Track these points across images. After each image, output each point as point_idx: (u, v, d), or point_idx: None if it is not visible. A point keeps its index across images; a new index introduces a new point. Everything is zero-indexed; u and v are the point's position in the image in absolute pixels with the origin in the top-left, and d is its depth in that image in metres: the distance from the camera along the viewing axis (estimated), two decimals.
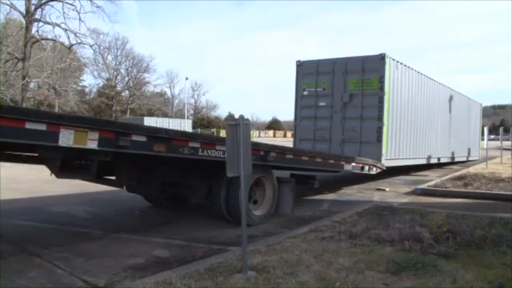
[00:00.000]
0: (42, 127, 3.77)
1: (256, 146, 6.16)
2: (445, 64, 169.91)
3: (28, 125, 3.66)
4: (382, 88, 11.16)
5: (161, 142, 4.83)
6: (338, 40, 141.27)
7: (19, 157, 5.78)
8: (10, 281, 3.87)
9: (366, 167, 9.65)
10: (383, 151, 11.20)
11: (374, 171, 10.18)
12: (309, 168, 7.77)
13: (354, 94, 11.62)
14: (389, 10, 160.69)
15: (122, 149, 4.43)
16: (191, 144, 5.16)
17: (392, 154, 11.76)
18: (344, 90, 11.77)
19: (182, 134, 5.42)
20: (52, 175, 4.96)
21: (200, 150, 5.27)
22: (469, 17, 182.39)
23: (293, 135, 13.35)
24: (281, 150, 6.87)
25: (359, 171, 9.44)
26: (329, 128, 12.06)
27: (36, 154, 5.29)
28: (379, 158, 10.84)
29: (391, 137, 11.61)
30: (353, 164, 9.08)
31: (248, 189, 6.05)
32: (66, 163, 4.62)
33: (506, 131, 28.38)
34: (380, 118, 11.20)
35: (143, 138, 4.63)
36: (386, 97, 11.22)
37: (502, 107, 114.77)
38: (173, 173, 6.46)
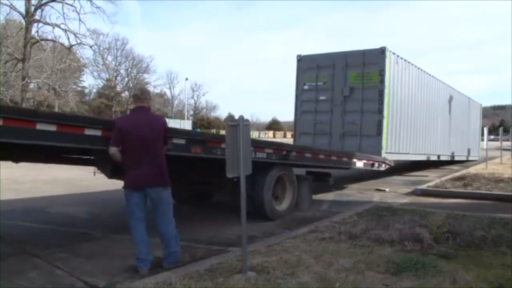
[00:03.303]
0: (98, 133, 4.22)
1: (279, 146, 6.77)
2: (445, 64, 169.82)
3: (87, 132, 4.16)
4: (382, 82, 11.13)
5: (197, 144, 5.22)
6: (338, 41, 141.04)
7: (71, 160, 6.45)
8: (10, 282, 3.87)
9: (376, 164, 10.06)
10: (383, 145, 11.17)
11: (383, 167, 10.56)
12: (321, 166, 8.10)
13: (354, 88, 11.57)
14: (389, 11, 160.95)
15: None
16: (223, 146, 5.32)
17: (392, 148, 11.70)
18: (345, 84, 11.73)
19: (215, 136, 6.04)
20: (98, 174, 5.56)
21: None
22: (469, 18, 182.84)
23: (293, 129, 13.32)
24: (301, 149, 7.61)
25: (369, 168, 9.84)
26: (329, 122, 12.00)
27: (74, 156, 6.24)
28: (379, 152, 10.88)
29: (391, 131, 11.58)
30: (364, 161, 9.49)
31: (272, 186, 6.67)
32: (116, 166, 4.71)
33: (506, 131, 28.32)
34: (380, 111, 11.17)
35: (182, 141, 5.03)
36: (386, 91, 11.19)
37: (502, 108, 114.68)
38: (203, 173, 6.83)
